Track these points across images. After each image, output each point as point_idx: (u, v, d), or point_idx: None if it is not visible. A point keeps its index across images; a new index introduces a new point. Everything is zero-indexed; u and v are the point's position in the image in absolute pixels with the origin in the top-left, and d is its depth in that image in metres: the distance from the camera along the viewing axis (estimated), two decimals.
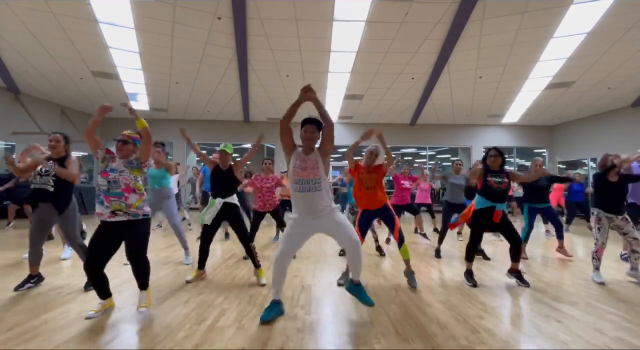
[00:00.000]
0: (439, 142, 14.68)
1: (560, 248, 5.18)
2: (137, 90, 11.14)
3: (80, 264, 4.38)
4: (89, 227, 6.90)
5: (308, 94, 2.55)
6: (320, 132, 2.69)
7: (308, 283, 3.69)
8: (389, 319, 2.69)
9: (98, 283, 2.73)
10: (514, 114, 13.04)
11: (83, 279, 3.67)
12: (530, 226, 5.22)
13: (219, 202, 3.74)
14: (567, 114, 13.06)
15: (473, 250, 3.83)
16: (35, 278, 3.46)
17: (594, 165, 13.24)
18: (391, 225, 3.71)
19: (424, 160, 15.11)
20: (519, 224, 6.23)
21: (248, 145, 15.41)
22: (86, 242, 3.37)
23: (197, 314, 2.75)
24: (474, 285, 3.66)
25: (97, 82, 10.36)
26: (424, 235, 6.38)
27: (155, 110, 12.84)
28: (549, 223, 7.62)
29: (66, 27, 7.67)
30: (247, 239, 3.79)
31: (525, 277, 3.79)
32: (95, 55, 8.90)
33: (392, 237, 6.30)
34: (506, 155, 4.08)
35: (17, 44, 8.30)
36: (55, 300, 3.03)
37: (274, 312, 2.68)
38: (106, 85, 10.61)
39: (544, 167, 5.18)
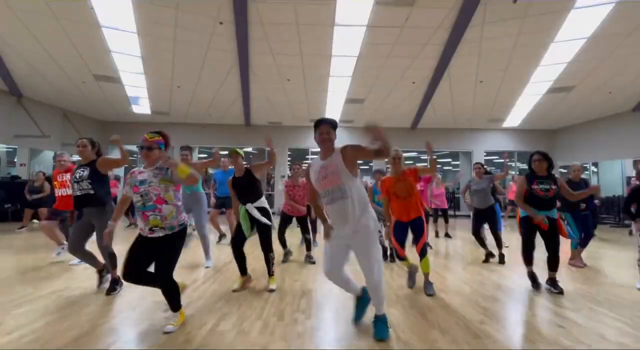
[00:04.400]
0: (439, 146, 14.65)
1: (577, 256, 4.98)
2: (138, 94, 11.19)
3: (80, 267, 4.38)
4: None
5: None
6: (336, 133, 2.53)
7: (309, 287, 3.67)
8: (389, 324, 2.67)
9: (146, 282, 2.63)
10: (515, 118, 13.05)
11: (84, 282, 3.67)
12: (580, 234, 4.95)
13: (249, 207, 3.56)
14: (568, 119, 13.06)
15: (528, 254, 3.73)
16: (117, 281, 3.40)
17: (596, 170, 13.22)
18: (418, 237, 3.60)
19: (425, 164, 15.08)
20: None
21: (249, 149, 15.44)
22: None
23: (198, 318, 2.74)
24: (537, 288, 3.62)
25: (99, 85, 10.40)
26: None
27: (157, 113, 12.88)
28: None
29: (69, 31, 7.72)
30: (268, 248, 3.60)
31: (527, 280, 3.77)
32: (97, 59, 8.95)
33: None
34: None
35: (20, 48, 8.35)
36: (55, 303, 3.02)
37: (361, 306, 2.72)
38: (108, 89, 10.65)
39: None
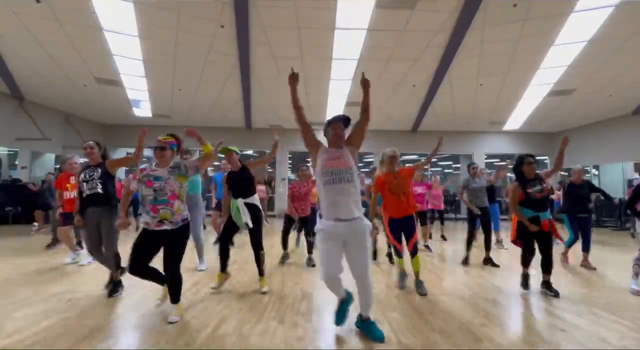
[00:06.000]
0: (440, 149, 14.63)
1: (586, 261, 5.04)
2: (140, 97, 11.22)
3: (80, 271, 4.38)
4: None
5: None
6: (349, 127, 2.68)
7: (309, 291, 3.66)
8: (390, 328, 2.66)
9: (148, 277, 2.85)
10: (515, 121, 13.05)
11: (83, 285, 3.67)
12: (575, 235, 5.10)
13: (240, 202, 3.60)
14: (569, 121, 13.06)
15: (525, 258, 3.75)
16: (118, 283, 3.44)
17: (597, 173, 13.20)
18: (409, 236, 3.68)
19: (426, 167, 15.08)
20: None
21: (250, 152, 15.45)
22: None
23: (198, 321, 2.73)
24: (526, 288, 3.67)
25: (100, 88, 10.44)
26: (427, 247, 6.35)
27: (158, 116, 12.91)
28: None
29: (71, 34, 7.76)
30: (258, 245, 3.64)
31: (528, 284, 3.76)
32: (99, 62, 8.98)
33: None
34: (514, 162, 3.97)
35: (22, 51, 8.39)
36: (55, 307, 3.01)
37: (344, 308, 2.62)
38: (110, 92, 10.69)
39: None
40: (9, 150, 11.14)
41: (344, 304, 2.64)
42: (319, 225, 2.52)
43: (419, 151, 14.75)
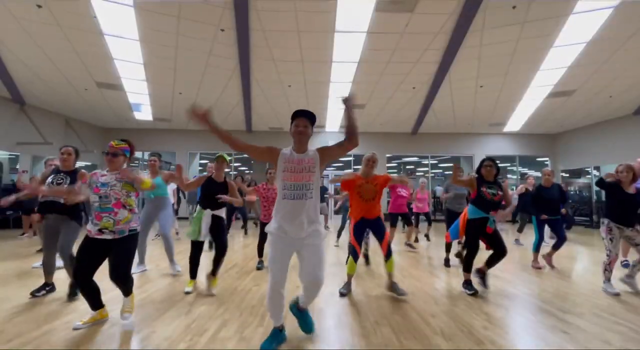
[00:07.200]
0: (440, 151, 14.65)
1: (549, 257, 5.12)
2: (140, 101, 11.25)
3: None
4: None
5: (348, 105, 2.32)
6: (312, 128, 2.44)
7: None
8: (392, 331, 2.66)
9: (88, 292, 2.68)
10: (515, 122, 13.05)
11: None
12: (540, 237, 5.22)
13: (208, 214, 3.63)
14: (569, 122, 13.06)
15: (470, 261, 3.79)
16: (49, 286, 3.49)
17: (598, 174, 13.18)
18: (380, 238, 3.64)
19: (426, 169, 15.09)
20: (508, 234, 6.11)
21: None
22: None
23: (199, 325, 2.73)
24: (475, 293, 3.62)
25: (101, 93, 10.47)
26: (410, 245, 6.42)
27: (159, 120, 12.94)
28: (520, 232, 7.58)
29: (72, 39, 7.80)
30: (222, 251, 3.73)
31: (530, 286, 3.75)
32: (100, 66, 9.02)
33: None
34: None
35: (23, 55, 8.42)
36: (56, 311, 3.02)
37: (276, 341, 2.37)
38: (110, 96, 10.72)
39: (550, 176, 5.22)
40: (10, 155, 11.16)
41: (277, 335, 2.40)
42: (271, 223, 2.38)
43: (419, 153, 14.76)
